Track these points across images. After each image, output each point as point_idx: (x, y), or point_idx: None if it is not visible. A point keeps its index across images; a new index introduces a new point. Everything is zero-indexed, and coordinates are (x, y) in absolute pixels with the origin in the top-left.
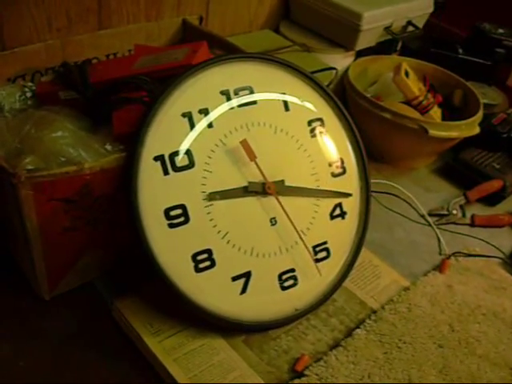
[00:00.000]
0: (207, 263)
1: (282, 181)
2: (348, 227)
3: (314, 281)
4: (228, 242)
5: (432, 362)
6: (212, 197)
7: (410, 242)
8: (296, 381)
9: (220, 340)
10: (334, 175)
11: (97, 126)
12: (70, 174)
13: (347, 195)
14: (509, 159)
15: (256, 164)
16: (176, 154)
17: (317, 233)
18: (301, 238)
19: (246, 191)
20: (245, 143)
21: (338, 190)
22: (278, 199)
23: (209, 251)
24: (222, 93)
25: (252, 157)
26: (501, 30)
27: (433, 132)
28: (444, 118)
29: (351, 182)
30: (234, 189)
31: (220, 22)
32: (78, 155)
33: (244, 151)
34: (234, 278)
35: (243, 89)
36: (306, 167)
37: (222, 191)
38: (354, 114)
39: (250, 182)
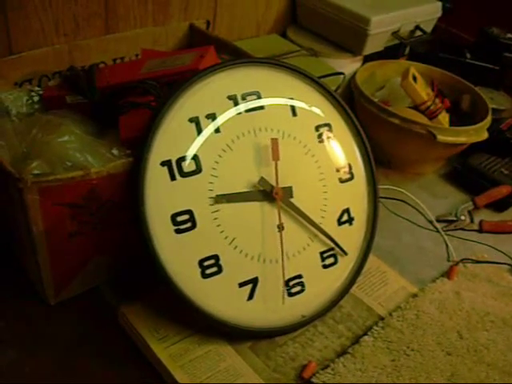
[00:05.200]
0: (214, 269)
1: (290, 187)
2: (355, 233)
3: (321, 287)
4: (235, 248)
5: (440, 370)
6: (218, 200)
7: (418, 248)
8: None
9: (226, 346)
10: (342, 181)
11: (104, 130)
12: (76, 179)
13: (344, 252)
14: None
15: (275, 166)
16: (183, 159)
17: (324, 239)
18: (283, 258)
19: (253, 194)
20: (274, 142)
21: (337, 242)
22: (278, 209)
23: (216, 257)
24: (230, 98)
25: (276, 157)
26: (509, 35)
27: (441, 137)
28: (452, 123)
29: (359, 188)
30: (240, 192)
31: (227, 26)
32: (84, 160)
33: (271, 151)
34: (241, 284)
35: (251, 94)
36: (314, 173)
37: (228, 194)
38: (362, 119)
39: (262, 178)
